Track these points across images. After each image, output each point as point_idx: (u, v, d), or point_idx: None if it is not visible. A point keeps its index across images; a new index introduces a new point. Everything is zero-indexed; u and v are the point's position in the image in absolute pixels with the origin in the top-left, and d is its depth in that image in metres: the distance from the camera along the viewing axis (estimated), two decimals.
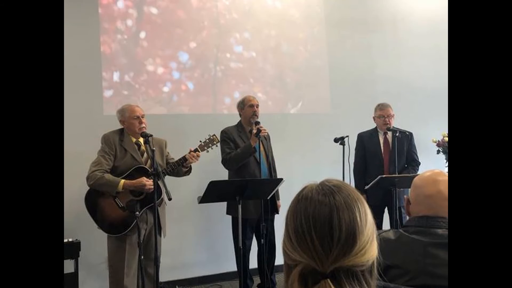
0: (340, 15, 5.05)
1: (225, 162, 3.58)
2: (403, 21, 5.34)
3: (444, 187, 1.37)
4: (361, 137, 4.07)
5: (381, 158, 3.93)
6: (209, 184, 2.92)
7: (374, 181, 3.46)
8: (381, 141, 3.98)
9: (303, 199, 0.87)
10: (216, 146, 3.34)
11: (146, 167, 3.06)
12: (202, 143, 3.26)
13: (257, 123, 3.49)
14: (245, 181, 3.09)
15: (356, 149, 4.05)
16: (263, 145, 3.56)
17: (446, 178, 1.39)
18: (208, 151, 3.29)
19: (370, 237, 0.85)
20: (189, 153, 3.16)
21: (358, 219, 0.84)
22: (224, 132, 3.63)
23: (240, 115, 3.74)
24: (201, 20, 4.48)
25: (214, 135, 3.33)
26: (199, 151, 3.20)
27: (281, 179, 3.24)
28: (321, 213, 0.84)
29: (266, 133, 3.57)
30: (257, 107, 3.68)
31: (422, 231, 1.35)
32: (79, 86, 3.86)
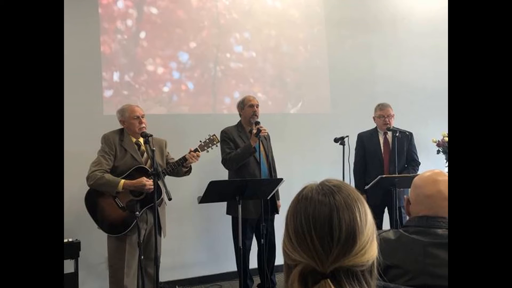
0: (340, 15, 5.05)
1: (225, 162, 3.58)
2: (403, 21, 5.34)
3: (444, 187, 1.37)
4: (361, 137, 4.07)
5: (381, 158, 3.93)
6: (209, 184, 2.92)
7: (374, 181, 3.46)
8: (381, 141, 3.98)
9: (303, 199, 0.87)
10: (216, 146, 3.34)
11: (146, 167, 3.06)
12: (202, 143, 3.26)
13: (257, 123, 3.49)
14: (245, 181, 3.09)
15: (356, 149, 4.05)
16: (263, 145, 3.56)
17: (446, 178, 1.39)
18: (208, 151, 3.29)
19: (370, 237, 0.85)
20: (189, 153, 3.16)
21: (358, 219, 0.84)
22: (224, 132, 3.63)
23: (240, 115, 3.74)
24: (201, 20, 4.48)
25: (214, 135, 3.33)
26: (199, 151, 3.20)
27: (281, 179, 3.24)
28: (321, 213, 0.84)
29: (266, 133, 3.57)
30: (257, 107, 3.68)
31: (422, 231, 1.35)
32: (79, 86, 3.86)
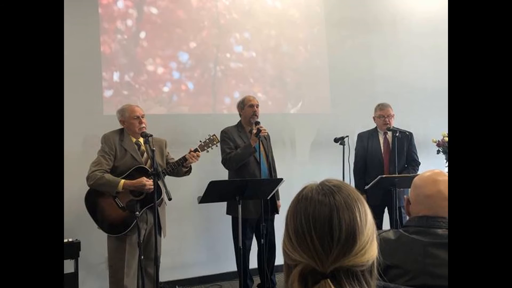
0: (340, 15, 5.05)
1: (225, 162, 3.58)
2: (403, 21, 5.34)
3: (444, 187, 1.37)
4: (361, 137, 4.07)
5: (381, 158, 3.94)
6: (209, 184, 2.92)
7: (374, 181, 3.46)
8: (381, 141, 3.98)
9: (303, 199, 0.87)
10: (216, 146, 3.34)
11: (146, 167, 3.06)
12: (202, 143, 3.26)
13: (257, 123, 3.49)
14: (245, 181, 3.10)
15: (356, 149, 4.05)
16: (263, 145, 3.56)
17: (446, 178, 1.40)
18: (208, 151, 3.29)
19: (370, 237, 0.85)
20: (189, 153, 3.16)
21: (358, 219, 0.84)
22: (224, 132, 3.63)
23: (240, 115, 3.74)
24: (201, 20, 4.48)
25: (214, 135, 3.33)
26: (199, 151, 3.20)
27: (281, 179, 3.24)
28: (321, 213, 0.84)
29: (266, 133, 3.57)
30: (257, 107, 3.68)
31: (422, 231, 1.35)
32: (79, 86, 3.86)
